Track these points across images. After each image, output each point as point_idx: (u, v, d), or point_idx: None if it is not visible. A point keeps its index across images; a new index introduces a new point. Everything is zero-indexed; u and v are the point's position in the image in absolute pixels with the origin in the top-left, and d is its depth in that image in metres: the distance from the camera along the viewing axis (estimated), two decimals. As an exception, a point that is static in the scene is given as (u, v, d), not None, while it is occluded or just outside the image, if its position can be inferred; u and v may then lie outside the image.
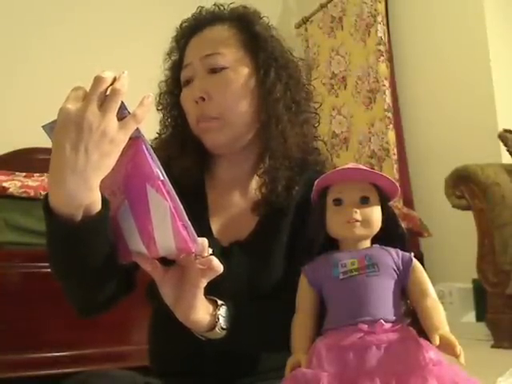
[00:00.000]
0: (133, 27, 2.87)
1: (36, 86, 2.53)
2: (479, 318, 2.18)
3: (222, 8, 0.84)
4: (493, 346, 1.96)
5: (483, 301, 2.10)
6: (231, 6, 0.84)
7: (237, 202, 0.81)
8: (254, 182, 0.82)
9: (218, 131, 0.76)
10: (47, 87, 2.51)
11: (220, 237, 0.77)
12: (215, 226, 0.78)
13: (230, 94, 0.76)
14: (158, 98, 0.85)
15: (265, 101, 0.78)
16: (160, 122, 0.86)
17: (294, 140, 0.78)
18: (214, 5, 0.85)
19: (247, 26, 0.80)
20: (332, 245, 0.60)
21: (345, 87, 3.12)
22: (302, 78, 0.83)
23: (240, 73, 0.78)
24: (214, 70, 0.77)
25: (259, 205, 0.78)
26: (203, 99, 0.76)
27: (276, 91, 0.78)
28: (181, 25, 0.85)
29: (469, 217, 2.15)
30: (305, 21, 3.36)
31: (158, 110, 0.85)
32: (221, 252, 0.71)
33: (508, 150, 2.24)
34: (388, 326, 0.53)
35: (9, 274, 1.44)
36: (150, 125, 0.74)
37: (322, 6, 3.26)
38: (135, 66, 2.65)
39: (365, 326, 0.52)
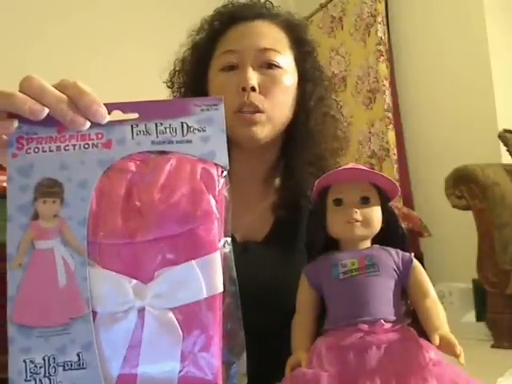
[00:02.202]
0: (134, 27, 2.87)
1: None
2: (479, 317, 2.18)
3: (265, 5, 0.84)
4: (493, 346, 1.96)
5: (483, 301, 2.11)
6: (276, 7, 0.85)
7: (253, 200, 0.81)
8: (274, 182, 0.82)
9: (262, 125, 0.76)
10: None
11: (234, 235, 0.77)
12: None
13: (281, 93, 0.77)
14: (171, 77, 0.85)
15: (300, 108, 0.80)
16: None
17: (320, 149, 0.81)
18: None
19: (298, 35, 0.82)
20: (332, 245, 0.60)
21: (345, 87, 3.12)
22: (333, 91, 0.86)
23: (291, 75, 0.79)
24: (270, 66, 0.77)
25: (279, 206, 0.78)
26: (254, 89, 0.75)
27: (311, 100, 0.80)
28: (221, 8, 0.84)
29: (469, 217, 2.15)
30: (304, 20, 3.36)
31: (168, 87, 0.84)
32: (237, 249, 0.71)
33: (508, 150, 2.25)
34: (388, 326, 0.53)
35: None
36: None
37: (322, 6, 3.27)
38: (135, 66, 2.66)
39: (365, 326, 0.52)
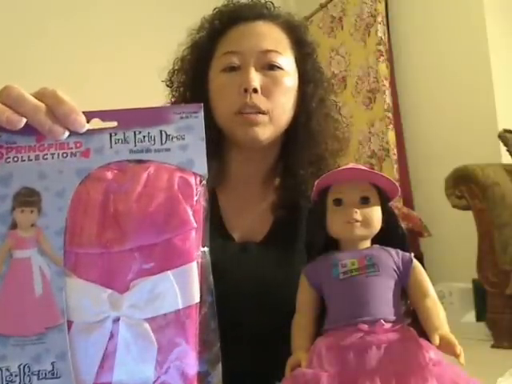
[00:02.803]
0: (134, 27, 2.87)
1: (37, 86, 2.53)
2: (479, 317, 2.18)
3: (266, 5, 0.84)
4: (493, 346, 1.96)
5: (483, 301, 2.11)
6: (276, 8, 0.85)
7: (253, 201, 0.81)
8: (273, 182, 0.82)
9: (264, 126, 0.76)
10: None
11: (233, 235, 0.77)
12: (227, 225, 0.78)
13: (283, 95, 0.77)
14: (170, 76, 0.85)
15: (301, 109, 0.80)
16: (170, 101, 0.85)
17: (320, 150, 0.80)
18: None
19: (298, 36, 0.82)
20: (332, 245, 0.60)
21: (345, 87, 3.12)
22: (332, 92, 0.86)
23: (292, 76, 0.79)
24: (271, 67, 0.77)
25: (279, 206, 0.78)
26: (256, 91, 0.75)
27: (313, 102, 0.80)
28: (221, 7, 0.84)
29: (469, 217, 2.15)
30: (305, 21, 3.36)
31: (167, 86, 0.84)
32: (236, 250, 0.71)
33: (508, 150, 2.25)
34: (388, 326, 0.53)
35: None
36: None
37: (322, 6, 3.27)
38: (135, 66, 2.66)
39: (365, 326, 0.52)
